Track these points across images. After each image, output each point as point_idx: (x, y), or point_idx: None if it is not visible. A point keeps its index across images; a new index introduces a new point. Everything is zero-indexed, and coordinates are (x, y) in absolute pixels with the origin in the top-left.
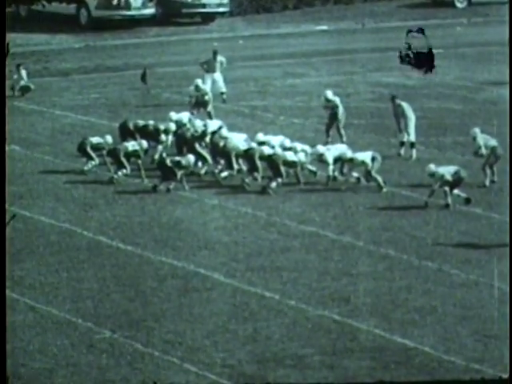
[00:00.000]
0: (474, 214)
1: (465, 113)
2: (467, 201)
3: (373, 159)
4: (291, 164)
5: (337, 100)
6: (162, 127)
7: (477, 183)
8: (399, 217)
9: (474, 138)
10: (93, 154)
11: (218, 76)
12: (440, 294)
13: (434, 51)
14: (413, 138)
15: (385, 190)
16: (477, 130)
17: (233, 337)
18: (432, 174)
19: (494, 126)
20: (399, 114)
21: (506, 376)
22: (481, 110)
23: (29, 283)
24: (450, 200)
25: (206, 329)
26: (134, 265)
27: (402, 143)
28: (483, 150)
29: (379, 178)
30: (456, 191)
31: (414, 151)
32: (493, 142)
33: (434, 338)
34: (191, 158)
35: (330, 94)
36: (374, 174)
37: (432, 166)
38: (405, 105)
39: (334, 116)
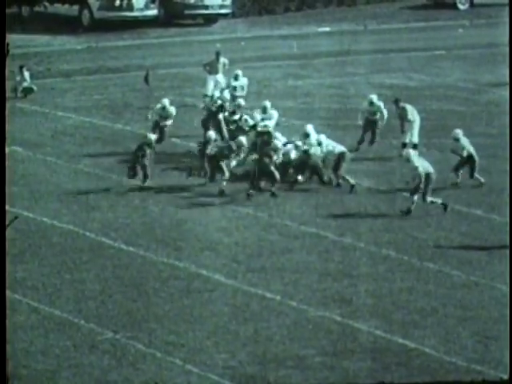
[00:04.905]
0: (475, 216)
1: (467, 114)
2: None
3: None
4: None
5: (381, 105)
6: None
7: (473, 185)
8: (400, 218)
9: (458, 140)
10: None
11: (220, 77)
12: (441, 296)
13: (437, 53)
14: (415, 139)
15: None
16: (458, 131)
17: (234, 338)
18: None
19: (496, 127)
20: (403, 117)
21: (506, 377)
22: (483, 112)
23: (31, 284)
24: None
25: (208, 330)
26: (136, 266)
27: (405, 145)
28: (465, 152)
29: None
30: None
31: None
32: (471, 149)
33: (434, 339)
34: (243, 140)
35: (375, 98)
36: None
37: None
38: (409, 107)
39: (373, 121)
